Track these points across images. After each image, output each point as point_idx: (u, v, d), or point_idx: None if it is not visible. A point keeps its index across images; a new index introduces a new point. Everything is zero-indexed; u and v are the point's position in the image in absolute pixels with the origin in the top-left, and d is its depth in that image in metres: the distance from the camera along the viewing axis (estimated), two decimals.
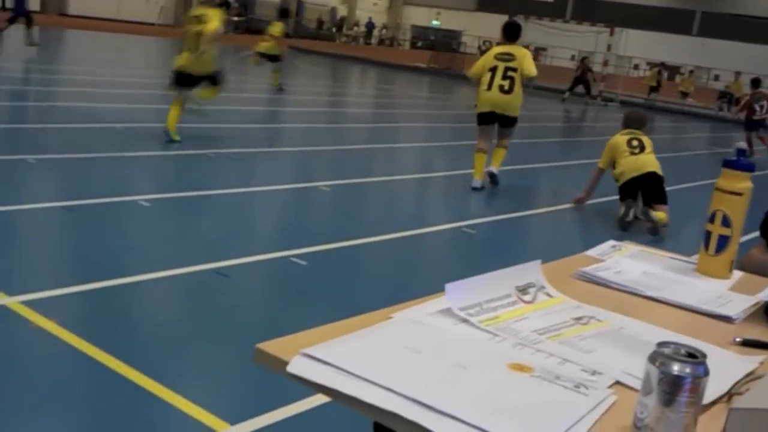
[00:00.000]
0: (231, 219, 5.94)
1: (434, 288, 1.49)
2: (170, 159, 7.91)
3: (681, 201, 8.92)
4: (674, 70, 40.78)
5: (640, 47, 37.67)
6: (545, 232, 7.08)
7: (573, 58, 35.81)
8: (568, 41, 36.93)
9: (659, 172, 7.60)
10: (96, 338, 3.45)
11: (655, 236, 6.99)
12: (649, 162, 7.60)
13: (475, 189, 8.25)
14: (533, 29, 42.72)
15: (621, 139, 7.79)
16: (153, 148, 8.29)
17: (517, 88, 8.09)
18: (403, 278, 5.10)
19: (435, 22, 52.47)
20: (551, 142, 13.58)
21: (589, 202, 8.21)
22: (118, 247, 4.94)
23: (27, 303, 3.76)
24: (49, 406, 2.90)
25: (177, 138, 8.47)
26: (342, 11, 48.60)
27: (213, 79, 8.92)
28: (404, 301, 1.43)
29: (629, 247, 2.06)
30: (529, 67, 8.10)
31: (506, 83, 8.03)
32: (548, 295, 1.54)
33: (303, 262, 4.96)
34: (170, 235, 5.31)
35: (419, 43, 50.96)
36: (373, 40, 48.90)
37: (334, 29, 46.54)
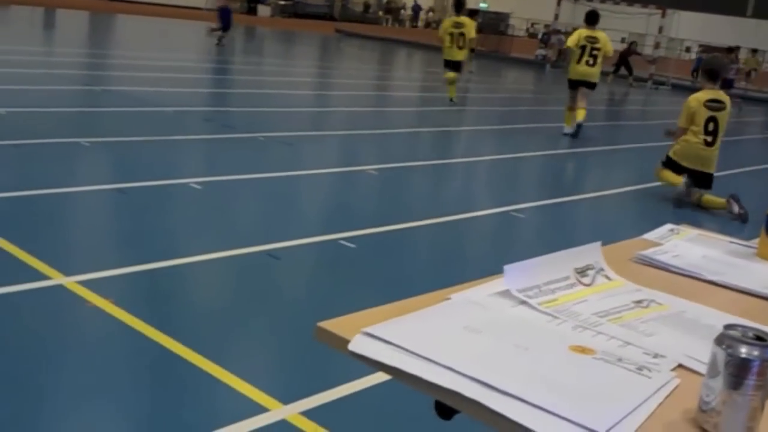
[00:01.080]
0: (281, 202, 5.98)
1: (485, 272, 1.49)
2: (220, 142, 7.98)
3: (738, 186, 8.75)
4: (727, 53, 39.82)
5: (693, 29, 36.90)
6: (595, 215, 7.01)
7: (623, 40, 35.25)
8: (618, 23, 36.24)
9: (713, 171, 7.47)
10: (150, 317, 3.52)
11: (745, 223, 6.98)
12: (711, 158, 7.42)
13: (565, 134, 11.32)
14: (583, 10, 42.02)
15: (701, 111, 7.38)
16: (203, 132, 8.38)
17: (599, 62, 11.09)
18: (452, 262, 5.10)
19: (483, 5, 52.01)
20: (600, 125, 13.39)
21: (639, 186, 8.11)
22: (171, 228, 5.01)
23: (83, 283, 3.84)
24: (106, 383, 2.97)
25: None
26: None
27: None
28: (454, 284, 1.43)
29: (687, 231, 2.03)
30: (609, 49, 11.09)
31: (591, 60, 11.03)
32: (607, 277, 1.53)
33: (352, 245, 4.98)
34: (221, 217, 5.37)
35: None
36: (420, 23, 48.66)
37: (380, 12, 46.40)
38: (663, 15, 26.11)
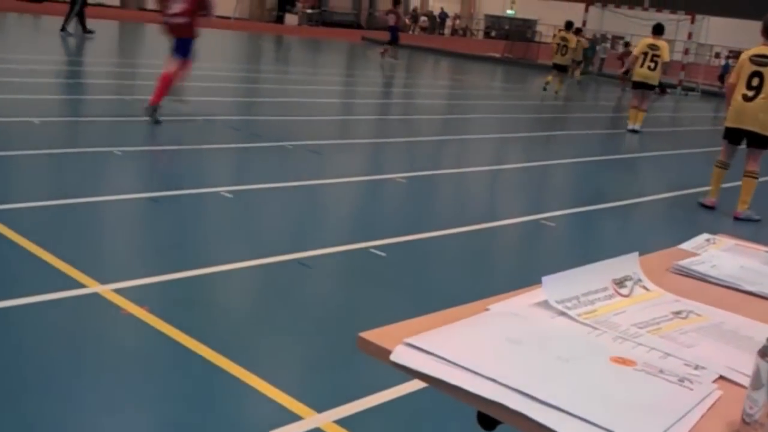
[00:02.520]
0: (310, 210, 6.02)
1: (518, 281, 1.49)
2: (250, 151, 8.05)
3: (765, 192, 8.66)
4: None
5: (722, 35, 36.56)
6: (628, 224, 6.96)
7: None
8: (647, 29, 36.05)
9: (763, 131, 7.14)
10: (184, 325, 3.56)
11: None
12: (751, 114, 7.11)
13: (629, 131, 13.31)
14: (611, 17, 41.87)
15: (746, 65, 7.19)
16: (232, 140, 8.45)
17: (659, 67, 12.88)
18: (483, 271, 5.10)
19: (510, 12, 51.95)
20: (625, 132, 13.32)
21: (672, 194, 8.07)
22: (203, 237, 5.06)
23: (118, 291, 3.89)
24: (140, 390, 3.01)
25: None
26: (415, 2, 48.49)
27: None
28: (486, 293, 1.44)
29: (724, 241, 2.02)
30: (666, 55, 12.89)
31: (652, 65, 12.88)
32: (645, 288, 1.53)
33: (382, 254, 5.00)
34: (252, 226, 5.41)
35: (493, 33, 50.56)
36: (446, 31, 48.67)
37: (407, 20, 46.47)
38: (692, 21, 25.91)
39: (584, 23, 27.88)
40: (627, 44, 29.37)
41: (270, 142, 8.46)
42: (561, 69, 19.29)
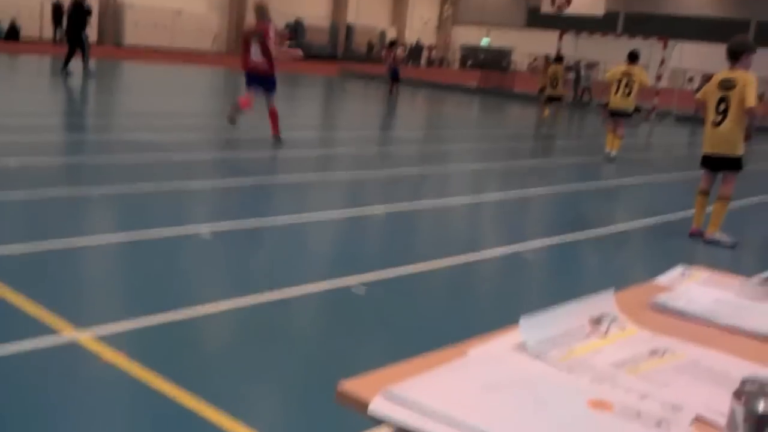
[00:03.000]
0: (289, 247, 6.01)
1: (498, 316, 1.50)
2: (228, 189, 8.03)
3: (744, 218, 8.77)
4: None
5: (695, 59, 37.11)
6: (605, 253, 7.00)
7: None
8: (620, 55, 36.50)
9: (732, 153, 7.27)
10: (164, 371, 3.52)
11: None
12: (722, 139, 7.23)
13: (607, 156, 13.44)
14: (585, 44, 42.30)
15: (715, 90, 7.28)
16: (210, 178, 8.44)
17: (634, 93, 13.01)
18: (464, 306, 5.09)
19: (485, 41, 52.48)
20: (603, 160, 13.43)
21: (649, 220, 8.13)
22: (182, 278, 5.03)
23: (96, 337, 3.85)
24: None
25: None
26: (391, 33, 48.92)
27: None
28: (468, 330, 1.44)
29: (699, 273, 2.03)
30: (644, 80, 13.11)
31: (627, 90, 13.02)
32: (622, 326, 1.54)
33: (362, 291, 4.98)
34: (231, 266, 5.39)
35: (469, 63, 51.02)
36: (422, 61, 49.07)
37: (383, 52, 46.87)
38: (665, 46, 26.29)
39: (559, 51, 28.19)
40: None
41: (250, 178, 8.45)
42: (555, 100, 20.23)
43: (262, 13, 10.96)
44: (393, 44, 25.74)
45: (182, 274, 5.12)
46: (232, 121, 11.18)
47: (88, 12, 19.35)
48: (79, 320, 4.02)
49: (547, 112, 20.52)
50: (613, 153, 13.39)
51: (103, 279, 4.94)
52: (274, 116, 11.14)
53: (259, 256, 5.77)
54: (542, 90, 22.31)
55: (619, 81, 13.07)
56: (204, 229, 6.09)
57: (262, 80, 10.87)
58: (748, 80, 7.09)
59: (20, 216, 6.19)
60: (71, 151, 9.62)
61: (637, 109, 17.47)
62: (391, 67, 24.59)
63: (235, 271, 5.28)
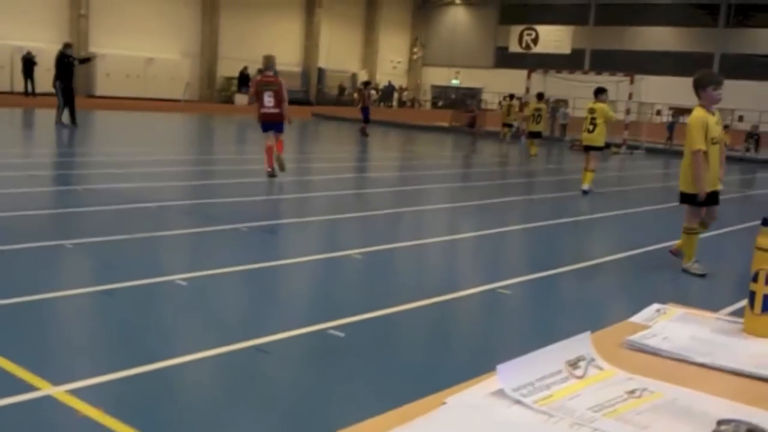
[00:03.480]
0: (267, 293, 5.97)
1: (477, 357, 1.49)
2: (204, 235, 8.00)
3: (716, 248, 8.85)
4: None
5: (662, 93, 37.73)
6: (581, 288, 7.03)
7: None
8: (588, 92, 36.98)
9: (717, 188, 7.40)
10: (141, 424, 3.47)
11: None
12: (716, 176, 7.27)
13: (582, 191, 13.59)
14: (553, 82, 42.86)
15: (707, 130, 7.03)
16: (186, 226, 8.41)
17: (600, 129, 13.33)
18: (443, 348, 5.08)
19: (454, 81, 53.06)
20: (575, 194, 13.55)
21: (624, 254, 8.17)
22: (159, 328, 4.98)
23: (72, 392, 3.79)
24: None
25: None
26: (362, 76, 49.32)
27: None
28: (447, 373, 1.44)
29: (674, 310, 2.05)
30: (607, 116, 13.40)
31: (591, 127, 13.41)
32: (599, 368, 1.54)
33: (341, 334, 4.96)
34: (209, 313, 5.35)
35: (440, 103, 51.48)
36: (394, 103, 49.44)
37: (354, 95, 47.18)
38: (631, 81, 26.75)
39: (527, 90, 28.58)
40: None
41: (224, 225, 8.42)
42: (536, 136, 21.43)
43: (272, 65, 12.46)
44: (367, 84, 26.31)
45: (158, 324, 5.06)
46: (282, 167, 12.24)
47: (77, 61, 19.53)
48: (55, 375, 3.96)
49: (535, 150, 21.54)
50: (586, 186, 13.65)
51: (78, 332, 4.88)
52: (280, 147, 12.48)
53: (236, 302, 5.72)
54: (506, 125, 24.95)
55: (586, 118, 13.67)
56: (179, 276, 6.05)
57: (276, 125, 12.31)
58: (690, 121, 7.10)
59: None
60: (42, 204, 9.54)
61: (607, 145, 17.76)
62: (363, 107, 25.25)
63: (212, 319, 5.23)
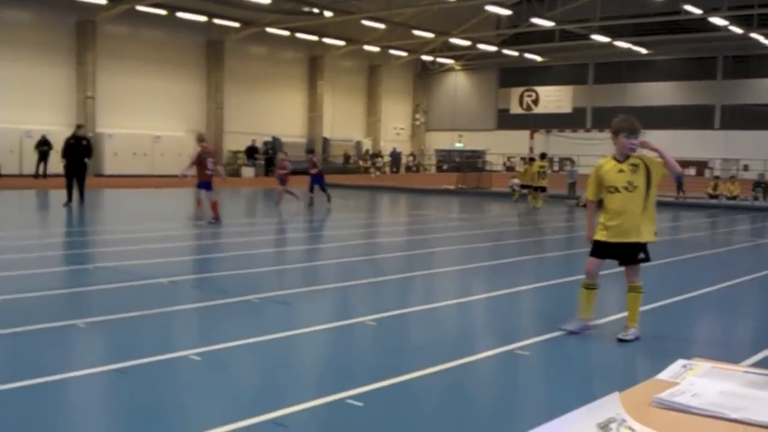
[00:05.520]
0: (282, 364, 5.91)
1: (500, 422, 1.46)
2: (216, 309, 7.96)
3: (730, 298, 8.78)
4: (702, 165, 41.07)
5: (666, 146, 37.85)
6: (603, 346, 6.93)
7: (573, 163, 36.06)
8: (592, 149, 37.30)
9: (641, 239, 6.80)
10: None
11: None
12: (631, 226, 6.76)
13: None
14: (556, 141, 43.21)
15: (592, 174, 7.11)
16: (198, 300, 8.38)
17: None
18: (464, 414, 4.99)
19: (458, 144, 53.48)
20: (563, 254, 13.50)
21: (643, 308, 8.10)
22: (174, 405, 4.92)
23: None
24: None
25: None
26: (367, 144, 49.76)
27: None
28: None
29: (700, 365, 2.01)
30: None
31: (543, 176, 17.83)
32: (631, 429, 1.50)
33: (359, 404, 4.88)
34: (223, 388, 5.28)
35: (445, 166, 51.82)
36: (401, 169, 49.80)
37: (360, 162, 47.52)
38: None
39: (531, 149, 28.82)
40: None
41: (235, 297, 8.39)
42: (541, 190, 23.84)
43: (203, 138, 17.74)
44: (310, 150, 25.32)
45: (173, 400, 5.00)
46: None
47: (90, 145, 19.98)
48: None
49: (540, 202, 23.66)
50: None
51: (91, 413, 4.82)
52: (214, 206, 16.27)
53: (251, 375, 5.66)
54: (524, 186, 25.26)
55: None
56: (192, 351, 6.00)
57: (210, 185, 16.47)
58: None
59: (4, 354, 6.07)
60: (53, 284, 9.54)
61: None
62: (317, 173, 23.49)
63: (228, 393, 5.17)
